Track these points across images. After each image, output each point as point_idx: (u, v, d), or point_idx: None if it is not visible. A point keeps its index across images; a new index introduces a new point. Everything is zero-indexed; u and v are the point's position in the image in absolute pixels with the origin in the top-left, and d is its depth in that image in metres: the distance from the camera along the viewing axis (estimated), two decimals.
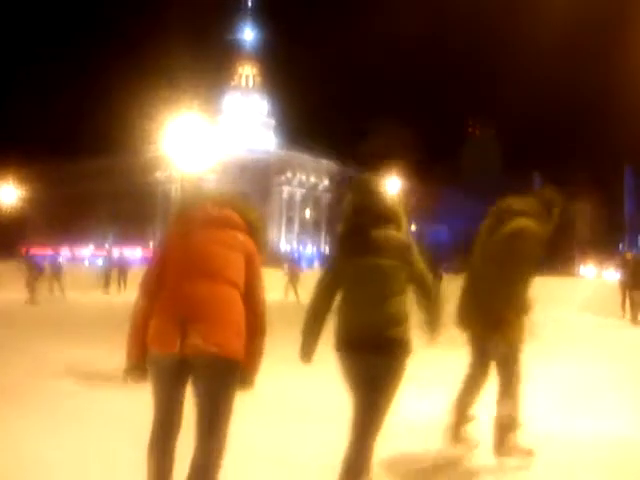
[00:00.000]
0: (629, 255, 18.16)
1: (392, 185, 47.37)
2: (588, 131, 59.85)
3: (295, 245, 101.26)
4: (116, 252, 24.55)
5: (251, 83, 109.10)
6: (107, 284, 21.60)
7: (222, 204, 2.92)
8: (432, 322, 3.24)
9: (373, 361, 2.95)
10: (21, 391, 5.93)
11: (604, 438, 4.62)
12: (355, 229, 3.10)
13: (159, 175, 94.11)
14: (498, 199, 4.21)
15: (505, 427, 3.86)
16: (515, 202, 4.05)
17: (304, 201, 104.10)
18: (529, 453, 3.90)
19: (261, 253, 2.92)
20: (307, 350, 3.13)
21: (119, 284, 21.82)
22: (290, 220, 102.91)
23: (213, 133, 67.15)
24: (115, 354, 8.07)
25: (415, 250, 3.13)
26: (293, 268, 20.02)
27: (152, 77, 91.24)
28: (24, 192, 57.31)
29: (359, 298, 3.03)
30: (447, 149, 78.20)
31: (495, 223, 4.04)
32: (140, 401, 5.53)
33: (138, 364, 2.83)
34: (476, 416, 4.08)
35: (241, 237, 2.86)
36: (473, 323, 4.02)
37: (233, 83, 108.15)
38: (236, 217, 2.89)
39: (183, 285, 2.74)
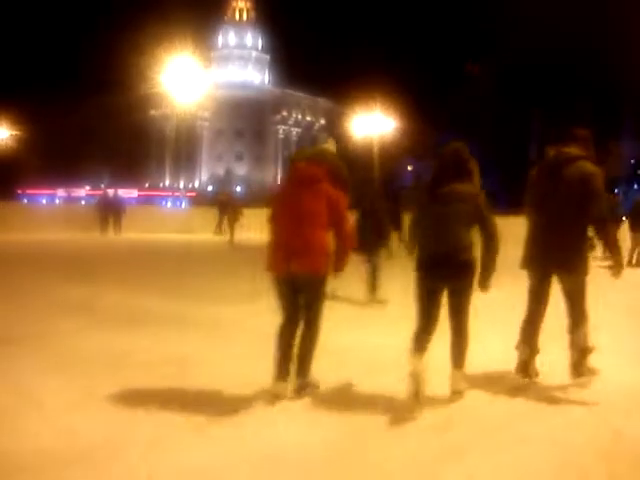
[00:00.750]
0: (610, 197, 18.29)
1: (387, 125, 46.89)
2: (589, 72, 58.43)
3: None
4: (111, 192, 23.90)
5: (245, 17, 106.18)
6: (104, 226, 21.32)
7: (311, 161, 4.22)
8: (488, 264, 4.18)
9: (451, 277, 4.17)
10: (23, 330, 6.18)
11: (608, 380, 4.70)
12: (437, 183, 4.23)
13: (154, 113, 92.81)
14: (547, 148, 4.59)
15: (583, 351, 4.41)
16: (571, 149, 4.44)
17: (300, 141, 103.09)
18: (595, 372, 4.49)
19: (346, 194, 4.29)
20: (411, 248, 4.47)
21: (114, 226, 21.50)
22: (286, 160, 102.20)
23: (207, 69, 65.87)
24: (110, 293, 8.37)
25: (483, 198, 4.17)
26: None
27: (146, 13, 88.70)
28: (18, 132, 56.56)
29: (439, 232, 4.17)
30: (445, 86, 76.79)
31: (553, 170, 4.42)
32: (139, 337, 5.82)
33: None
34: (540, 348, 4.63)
35: (324, 188, 4.12)
36: (546, 261, 4.46)
37: (227, 18, 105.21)
38: (321, 172, 4.13)
39: (286, 229, 4.14)
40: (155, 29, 56.57)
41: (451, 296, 4.21)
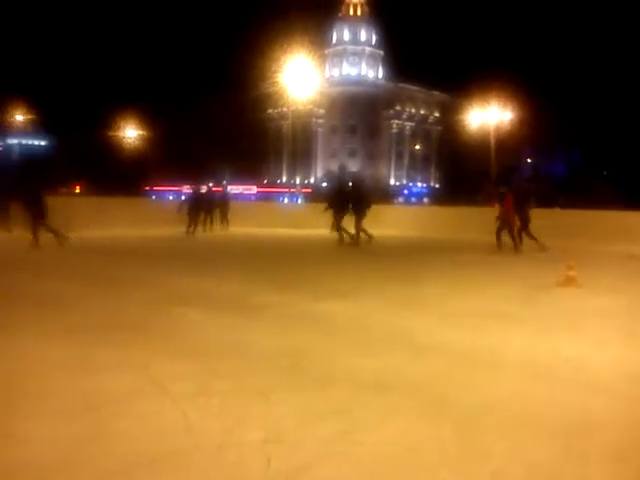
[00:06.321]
0: None
1: (504, 115, 45.17)
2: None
3: (404, 181, 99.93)
4: (204, 188, 23.35)
5: (359, 13, 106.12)
6: (211, 221, 22.21)
7: None
8: None
9: None
10: (130, 320, 6.50)
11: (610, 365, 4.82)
12: None
13: (271, 112, 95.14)
14: None
15: None
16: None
17: (414, 135, 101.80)
18: None
19: None
20: None
21: (221, 221, 22.49)
22: (399, 155, 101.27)
23: (321, 66, 66.50)
24: (226, 284, 8.68)
25: None
26: None
27: (265, 14, 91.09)
28: (145, 132, 59.86)
29: None
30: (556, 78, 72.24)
31: None
32: (255, 328, 5.99)
33: None
34: None
35: None
36: None
37: (341, 14, 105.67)
38: None
39: None
40: (273, 29, 57.94)
41: None
